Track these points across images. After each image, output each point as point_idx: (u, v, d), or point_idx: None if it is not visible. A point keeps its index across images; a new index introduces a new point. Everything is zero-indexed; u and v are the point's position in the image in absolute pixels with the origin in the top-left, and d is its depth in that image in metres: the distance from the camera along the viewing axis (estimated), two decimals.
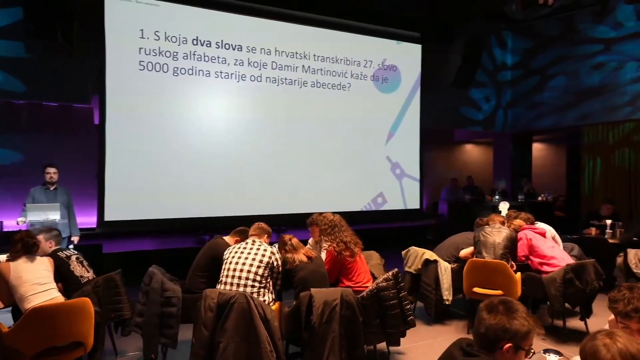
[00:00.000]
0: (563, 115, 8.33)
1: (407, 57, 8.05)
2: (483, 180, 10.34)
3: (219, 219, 6.47)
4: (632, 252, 5.64)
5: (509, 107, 9.44)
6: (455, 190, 9.43)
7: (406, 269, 5.00)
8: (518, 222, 5.00)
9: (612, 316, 2.03)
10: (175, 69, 6.25)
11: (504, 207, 7.79)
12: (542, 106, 8.75)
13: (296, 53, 7.05)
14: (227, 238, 3.94)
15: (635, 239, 6.07)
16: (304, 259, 3.46)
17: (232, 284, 3.29)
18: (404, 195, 8.13)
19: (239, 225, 4.02)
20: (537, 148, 10.80)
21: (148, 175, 6.08)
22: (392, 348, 3.86)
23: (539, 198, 8.93)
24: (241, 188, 6.64)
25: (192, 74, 6.36)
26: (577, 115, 8.06)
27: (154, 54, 6.13)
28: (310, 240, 4.39)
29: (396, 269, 3.72)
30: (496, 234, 4.59)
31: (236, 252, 3.43)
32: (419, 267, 4.85)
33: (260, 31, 6.79)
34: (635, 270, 5.56)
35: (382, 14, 7.62)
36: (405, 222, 8.66)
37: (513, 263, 4.48)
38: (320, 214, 4.43)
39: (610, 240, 6.11)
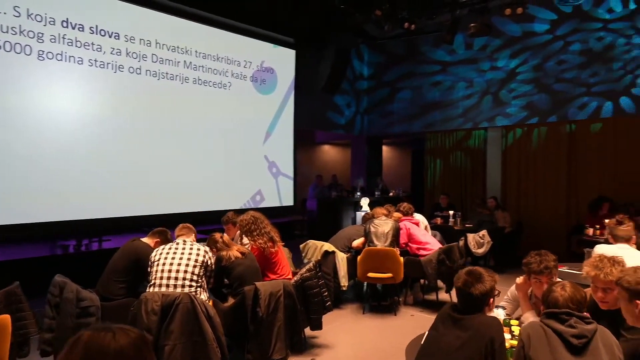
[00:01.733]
0: (411, 123, 9.73)
1: (283, 60, 8.44)
2: (342, 178, 11.35)
3: (91, 221, 5.89)
4: (470, 236, 7.01)
5: (365, 113, 10.58)
6: (321, 187, 10.18)
7: (305, 260, 5.37)
8: (397, 214, 5.81)
9: (520, 278, 2.72)
10: (41, 53, 5.49)
11: (364, 202, 8.78)
12: (394, 114, 10.06)
13: (178, 47, 6.81)
14: (146, 239, 3.75)
15: (468, 225, 7.55)
16: (239, 255, 3.55)
17: (168, 286, 3.20)
18: (280, 193, 8.50)
19: (117, 228, 3.85)
20: (386, 150, 12.31)
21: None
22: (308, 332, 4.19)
23: (390, 194, 10.24)
24: (112, 188, 6.12)
25: (62, 59, 5.66)
26: (423, 124, 9.53)
27: (13, 33, 5.29)
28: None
29: (315, 261, 4.06)
30: (384, 225, 5.29)
31: (168, 253, 3.34)
32: (319, 258, 5.27)
33: (140, 20, 6.38)
34: (473, 250, 6.92)
35: (259, 16, 7.84)
36: (278, 219, 9.04)
37: (397, 249, 5.24)
38: (236, 212, 4.52)
39: (456, 227, 7.46)
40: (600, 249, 3.69)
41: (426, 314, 5.21)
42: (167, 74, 6.66)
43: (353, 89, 10.33)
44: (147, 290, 3.23)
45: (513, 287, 2.82)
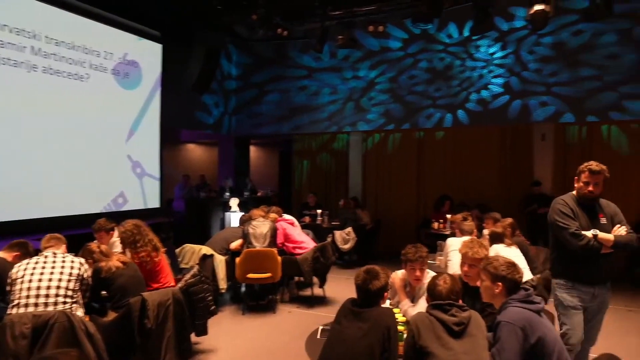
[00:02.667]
0: (280, 124, 9.99)
1: (149, 54, 7.95)
2: (209, 178, 11.12)
3: None
4: (337, 233, 7.56)
5: (233, 113, 10.53)
6: (189, 187, 9.85)
7: (182, 265, 5.21)
8: (273, 215, 5.97)
9: (398, 272, 3.11)
10: None
11: (234, 202, 8.79)
12: (262, 115, 10.21)
13: (23, 30, 5.95)
14: (1, 253, 3.27)
15: (335, 223, 8.12)
16: (120, 265, 3.33)
17: (37, 305, 2.86)
18: (145, 194, 8.01)
19: None
20: (253, 150, 12.39)
21: None
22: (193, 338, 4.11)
23: (259, 193, 10.38)
24: None
25: None
26: (291, 126, 9.86)
27: None
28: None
29: (197, 266, 4.01)
30: (262, 226, 5.42)
31: (35, 268, 2.98)
32: (197, 262, 5.16)
33: None
34: (340, 246, 7.47)
35: (122, 4, 7.27)
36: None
37: (275, 249, 5.41)
38: (107, 220, 4.21)
39: (324, 226, 7.93)
40: (451, 242, 4.37)
41: (303, 309, 5.49)
42: (9, 59, 5.78)
43: (221, 88, 10.19)
44: (10, 312, 2.84)
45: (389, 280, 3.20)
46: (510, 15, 7.77)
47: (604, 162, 7.98)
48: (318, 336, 2.67)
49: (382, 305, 2.31)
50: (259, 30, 7.35)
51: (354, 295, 2.33)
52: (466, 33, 8.17)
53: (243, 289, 5.67)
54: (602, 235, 2.89)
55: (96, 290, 3.30)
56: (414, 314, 2.24)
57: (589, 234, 2.89)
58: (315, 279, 5.88)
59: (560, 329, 3.06)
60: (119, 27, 7.37)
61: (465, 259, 2.82)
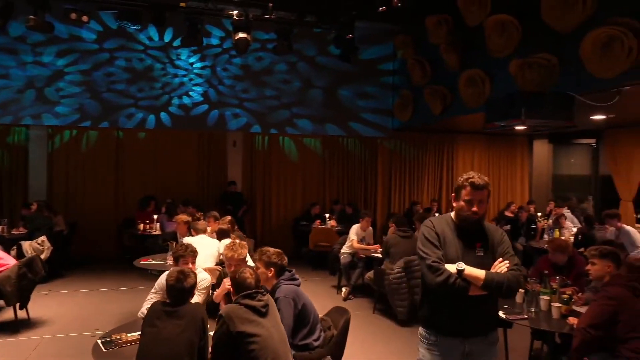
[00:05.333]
0: None
1: None
2: None
3: None
4: (26, 244, 6.51)
5: None
6: None
7: None
8: None
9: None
10: None
11: None
12: None
13: None
14: None
15: (18, 232, 6.95)
16: None
17: None
18: None
19: None
20: None
21: None
22: None
23: None
24: None
25: None
26: None
27: None
28: None
29: None
30: None
31: None
32: None
33: None
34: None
35: None
36: None
37: None
38: None
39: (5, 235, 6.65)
40: (187, 240, 4.73)
41: (5, 338, 4.62)
42: None
43: None
44: None
45: (161, 279, 3.35)
46: (207, 32, 8.59)
47: (280, 166, 9.90)
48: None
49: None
50: None
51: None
52: (167, 38, 8.49)
53: None
54: (469, 270, 2.18)
55: None
56: (225, 307, 2.60)
57: (452, 267, 2.20)
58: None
59: None
60: None
61: (232, 261, 3.24)
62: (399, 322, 5.27)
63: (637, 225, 7.78)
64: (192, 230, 4.92)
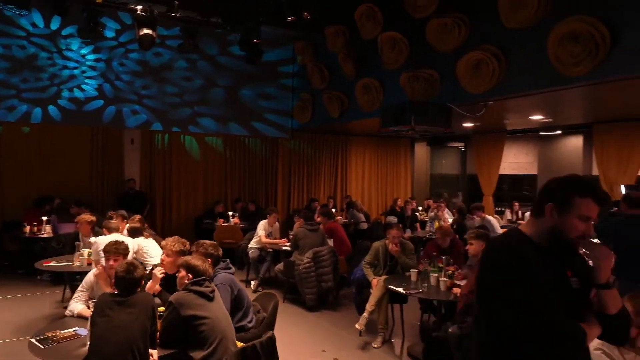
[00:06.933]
0: None
1: None
2: None
3: None
4: None
5: None
6: None
7: None
8: None
9: (95, 269, 3.34)
10: None
11: None
12: None
13: None
14: None
15: None
16: None
17: None
18: None
19: None
20: None
21: None
22: None
23: None
24: None
25: None
26: None
27: None
28: None
29: None
30: None
31: None
32: None
33: None
34: None
35: None
36: None
37: None
38: None
39: None
40: (101, 240, 4.64)
41: None
42: None
43: None
44: None
45: (89, 276, 3.37)
46: (102, 24, 8.16)
47: (181, 165, 9.81)
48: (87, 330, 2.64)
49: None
50: None
51: None
52: (54, 26, 7.91)
53: None
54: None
55: None
56: (175, 294, 2.76)
57: None
58: None
59: None
60: None
61: (167, 251, 3.39)
62: (308, 308, 5.73)
63: (495, 215, 9.32)
64: (104, 229, 4.81)
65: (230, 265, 3.33)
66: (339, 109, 8.09)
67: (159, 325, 2.65)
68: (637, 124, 8.38)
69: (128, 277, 2.58)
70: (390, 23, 6.59)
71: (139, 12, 6.66)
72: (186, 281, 2.80)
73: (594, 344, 2.06)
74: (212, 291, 2.79)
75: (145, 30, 6.68)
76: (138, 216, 5.50)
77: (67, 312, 3.24)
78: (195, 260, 2.85)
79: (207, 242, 3.32)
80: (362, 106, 7.40)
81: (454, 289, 4.07)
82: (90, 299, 3.29)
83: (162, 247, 3.50)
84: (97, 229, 5.55)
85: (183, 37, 7.43)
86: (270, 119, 9.68)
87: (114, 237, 4.70)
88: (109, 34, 8.20)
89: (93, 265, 4.87)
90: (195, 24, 7.43)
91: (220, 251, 3.31)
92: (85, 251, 5.04)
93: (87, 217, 5.41)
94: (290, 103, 9.72)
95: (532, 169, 10.83)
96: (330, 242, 6.26)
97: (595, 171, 9.34)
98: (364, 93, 7.31)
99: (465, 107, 6.32)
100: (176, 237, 3.43)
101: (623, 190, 7.77)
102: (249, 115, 9.44)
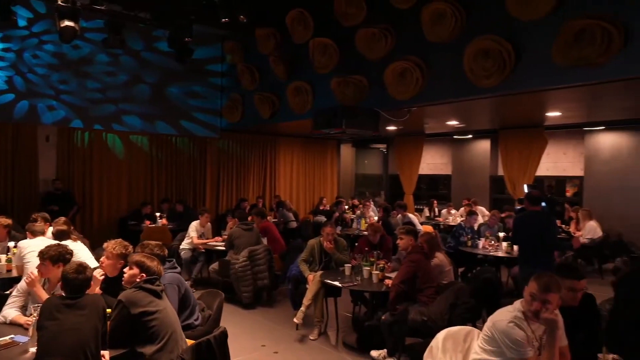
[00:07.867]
0: None
1: None
2: None
3: None
4: None
5: None
6: None
7: None
8: None
9: (29, 276, 3.20)
10: None
11: None
12: None
13: None
14: None
15: None
16: None
17: None
18: None
19: None
20: None
21: None
22: None
23: None
24: None
25: None
26: None
27: None
28: None
29: None
30: None
31: None
32: None
33: None
34: None
35: None
36: None
37: None
38: None
39: None
40: (26, 244, 4.38)
41: None
42: None
43: None
44: None
45: (22, 283, 3.21)
46: (12, 12, 7.56)
47: (103, 164, 9.35)
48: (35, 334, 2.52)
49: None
50: None
51: None
52: None
53: None
54: None
55: None
56: (123, 293, 2.74)
57: None
58: None
59: None
60: None
61: (108, 254, 3.33)
62: (244, 306, 5.82)
63: (415, 213, 10.02)
64: (28, 232, 4.53)
65: (176, 265, 3.37)
66: (270, 110, 8.21)
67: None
68: (535, 130, 9.49)
69: (79, 278, 2.55)
70: (320, 29, 6.85)
71: (59, 2, 6.29)
72: (138, 279, 2.81)
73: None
74: (162, 290, 2.84)
75: (67, 23, 6.31)
76: (63, 218, 5.21)
77: (0, 318, 3.08)
78: (148, 259, 2.87)
79: (153, 242, 3.32)
80: (293, 108, 7.60)
81: (386, 280, 4.41)
82: (25, 305, 3.16)
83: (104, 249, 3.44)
84: (14, 233, 5.22)
85: (108, 32, 7.13)
86: (199, 117, 9.55)
87: (40, 241, 4.48)
88: (21, 22, 7.63)
89: (14, 271, 4.61)
90: (121, 18, 7.16)
91: (166, 251, 3.34)
92: (2, 257, 4.74)
93: (2, 220, 5.06)
94: (219, 102, 9.66)
95: (446, 170, 11.76)
96: (264, 241, 6.39)
97: (500, 172, 10.40)
98: (295, 95, 7.52)
99: (391, 112, 6.77)
100: (119, 239, 3.38)
101: (526, 189, 8.77)
102: (177, 113, 9.25)
